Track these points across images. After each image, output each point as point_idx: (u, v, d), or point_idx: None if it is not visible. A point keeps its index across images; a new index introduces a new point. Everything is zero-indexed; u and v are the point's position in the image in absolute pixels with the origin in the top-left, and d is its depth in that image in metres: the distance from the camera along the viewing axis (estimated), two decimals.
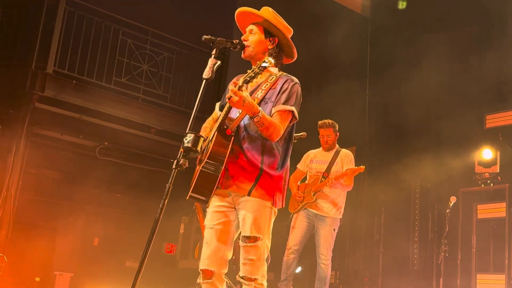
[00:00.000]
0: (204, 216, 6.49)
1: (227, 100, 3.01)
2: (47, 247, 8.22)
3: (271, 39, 3.34)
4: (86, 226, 8.79)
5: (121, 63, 8.44)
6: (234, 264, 5.75)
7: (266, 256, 3.19)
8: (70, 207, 8.60)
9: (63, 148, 8.47)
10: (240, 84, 2.98)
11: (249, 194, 3.13)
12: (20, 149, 7.47)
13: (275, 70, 3.31)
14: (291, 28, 3.39)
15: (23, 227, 7.72)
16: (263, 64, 2.97)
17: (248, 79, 3.00)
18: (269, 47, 3.34)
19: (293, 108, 3.20)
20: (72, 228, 8.57)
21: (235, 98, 2.95)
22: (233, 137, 3.13)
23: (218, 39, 3.19)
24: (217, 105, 3.49)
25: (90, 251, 8.74)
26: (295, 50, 3.40)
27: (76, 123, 8.05)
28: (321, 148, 6.30)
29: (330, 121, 6.20)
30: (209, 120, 3.50)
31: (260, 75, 3.04)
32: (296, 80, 3.30)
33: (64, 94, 7.80)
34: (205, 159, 3.09)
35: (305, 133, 5.60)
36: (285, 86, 3.23)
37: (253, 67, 3.02)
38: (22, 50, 7.71)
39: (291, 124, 3.28)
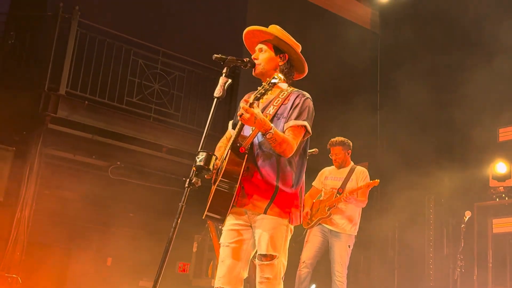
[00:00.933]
0: (217, 234, 6.48)
1: (238, 117, 3.01)
2: (61, 267, 8.24)
3: (281, 55, 3.36)
4: (100, 246, 8.79)
5: (132, 83, 8.50)
6: (247, 282, 5.72)
7: (282, 275, 3.17)
8: (84, 227, 8.62)
9: (76, 169, 8.51)
10: (251, 101, 2.98)
11: (265, 212, 3.12)
12: (33, 170, 7.50)
13: (285, 85, 3.32)
14: (299, 44, 3.40)
15: (37, 248, 7.74)
16: (273, 80, 2.98)
17: (259, 95, 3.01)
18: (280, 63, 3.35)
19: (305, 123, 3.19)
20: (85, 248, 8.58)
21: (247, 115, 2.95)
22: (246, 155, 3.12)
23: (228, 57, 3.20)
24: (230, 123, 3.48)
25: (103, 271, 8.74)
26: (306, 65, 3.41)
27: (88, 144, 8.09)
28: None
29: (339, 139, 6.18)
30: (223, 140, 3.49)
31: (270, 92, 3.05)
32: (307, 94, 3.30)
33: (77, 115, 7.85)
34: (220, 178, 3.08)
35: (316, 149, 5.59)
36: (297, 101, 3.24)
37: (263, 83, 3.03)
38: (35, 72, 7.79)
39: (305, 139, 3.27)
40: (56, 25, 7.83)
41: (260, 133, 3.08)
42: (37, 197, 7.59)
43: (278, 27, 3.39)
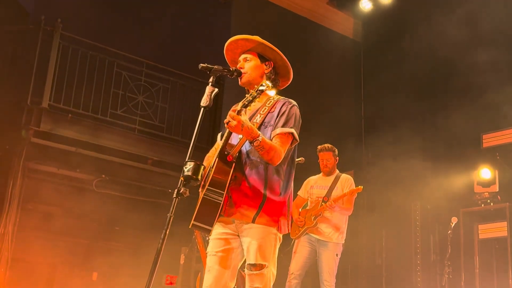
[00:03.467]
0: (205, 245, 6.42)
1: (225, 125, 2.99)
2: (46, 283, 8.12)
3: (267, 63, 3.36)
4: (85, 261, 8.68)
5: (116, 95, 8.45)
6: None
7: (272, 284, 3.14)
8: (68, 241, 8.51)
9: (60, 183, 8.41)
10: (239, 108, 2.97)
11: (253, 221, 3.09)
12: (17, 185, 7.42)
13: (272, 93, 3.31)
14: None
15: (21, 264, 7.63)
16: (261, 88, 2.96)
17: (247, 103, 2.99)
18: (266, 71, 3.35)
19: (292, 130, 3.18)
20: (70, 263, 8.47)
21: (233, 123, 2.93)
22: (234, 164, 3.10)
23: (215, 67, 3.18)
24: (219, 135, 3.45)
25: (89, 286, 8.62)
26: (291, 71, 3.41)
27: (72, 157, 8.01)
28: (321, 174, 6.29)
29: (329, 145, 6.22)
30: (212, 150, 3.46)
31: (258, 99, 3.04)
32: (294, 102, 3.30)
33: (60, 128, 7.78)
34: (207, 186, 3.05)
35: (303, 158, 5.58)
36: (283, 109, 3.23)
37: (251, 91, 3.02)
38: (17, 85, 7.72)
39: (292, 147, 3.26)
40: (38, 38, 7.78)
41: (248, 141, 3.06)
42: (20, 212, 7.49)
43: (259, 38, 3.39)
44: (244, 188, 3.11)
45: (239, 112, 2.95)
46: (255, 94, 2.98)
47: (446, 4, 8.98)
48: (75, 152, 7.97)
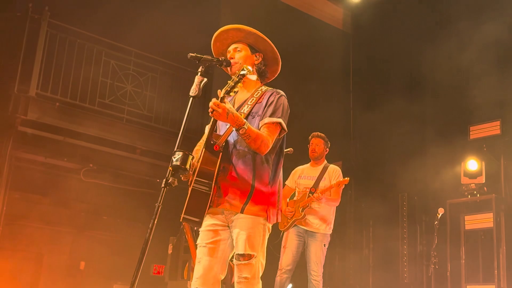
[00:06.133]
0: (193, 235, 6.41)
1: (210, 114, 2.96)
2: (33, 272, 8.10)
3: (257, 54, 3.34)
4: (72, 250, 8.67)
5: (104, 84, 8.40)
6: (224, 283, 5.68)
7: (261, 274, 3.14)
8: (56, 231, 8.49)
9: (48, 172, 8.38)
10: (222, 95, 2.94)
11: (242, 211, 3.08)
12: (3, 173, 7.37)
13: (254, 77, 3.26)
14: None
15: (8, 253, 7.60)
16: (242, 72, 2.94)
17: (229, 89, 2.96)
18: (256, 62, 3.33)
19: (280, 120, 3.16)
20: (58, 252, 8.45)
21: (219, 110, 2.91)
22: (221, 153, 3.07)
23: (204, 56, 3.16)
24: (207, 127, 3.43)
25: (76, 275, 8.61)
26: (280, 63, 3.39)
27: (60, 146, 7.97)
28: (309, 164, 6.29)
29: (322, 134, 6.24)
30: (201, 143, 3.42)
31: (246, 90, 3.01)
32: (282, 92, 3.28)
33: (47, 116, 7.73)
34: (195, 177, 3.03)
35: (291, 149, 5.58)
36: (271, 99, 3.21)
37: (232, 76, 2.99)
38: (4, 73, 7.64)
39: (280, 137, 3.24)
40: (25, 25, 7.70)
41: (234, 130, 3.04)
42: (7, 201, 7.45)
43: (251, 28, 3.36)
44: (232, 178, 3.10)
45: (222, 100, 2.93)
46: (237, 79, 2.95)
47: None
48: (62, 141, 7.93)
